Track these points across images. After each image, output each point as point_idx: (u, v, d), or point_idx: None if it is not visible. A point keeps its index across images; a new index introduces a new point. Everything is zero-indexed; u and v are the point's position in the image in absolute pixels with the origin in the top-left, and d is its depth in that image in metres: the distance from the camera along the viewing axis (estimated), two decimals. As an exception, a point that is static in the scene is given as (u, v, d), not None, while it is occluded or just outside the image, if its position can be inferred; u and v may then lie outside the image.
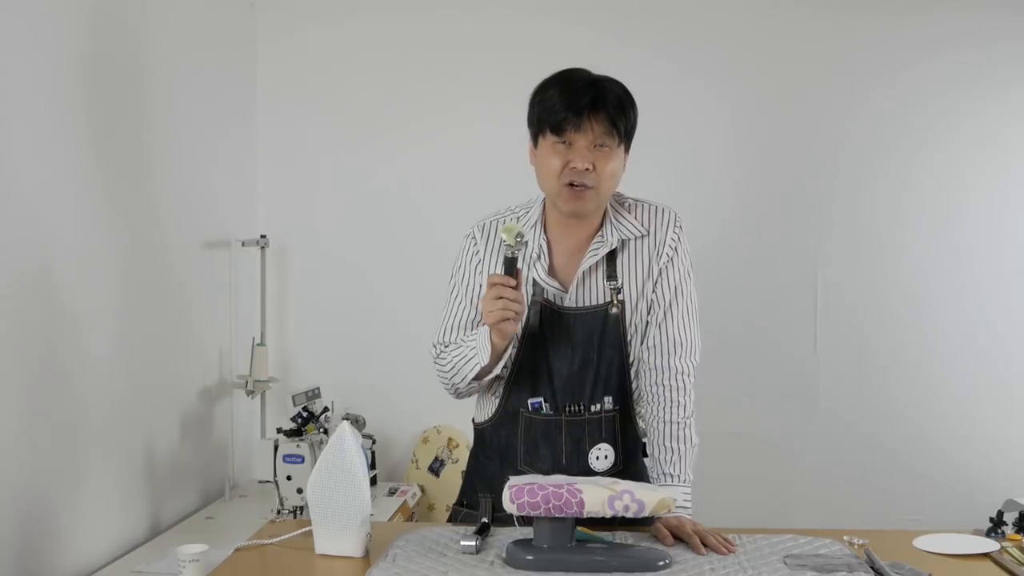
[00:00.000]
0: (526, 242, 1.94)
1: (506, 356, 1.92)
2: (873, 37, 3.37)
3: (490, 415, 2.03)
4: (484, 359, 1.89)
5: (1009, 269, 3.36)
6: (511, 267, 1.84)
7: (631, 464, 2.01)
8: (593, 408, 1.96)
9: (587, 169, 1.85)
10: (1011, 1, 3.33)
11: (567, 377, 1.95)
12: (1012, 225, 3.36)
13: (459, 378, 1.97)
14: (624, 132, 1.89)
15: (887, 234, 3.40)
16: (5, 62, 2.10)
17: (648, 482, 2.00)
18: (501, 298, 1.81)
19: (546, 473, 1.91)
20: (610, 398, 1.97)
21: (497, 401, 2.01)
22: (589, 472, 1.94)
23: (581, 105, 1.85)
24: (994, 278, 3.36)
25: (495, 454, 2.03)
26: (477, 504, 2.01)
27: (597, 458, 1.95)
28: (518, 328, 1.87)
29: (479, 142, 3.41)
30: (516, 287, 1.83)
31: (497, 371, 1.94)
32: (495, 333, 1.86)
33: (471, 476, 2.10)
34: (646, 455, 2.05)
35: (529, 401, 1.97)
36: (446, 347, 2.01)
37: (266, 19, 3.51)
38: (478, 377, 1.95)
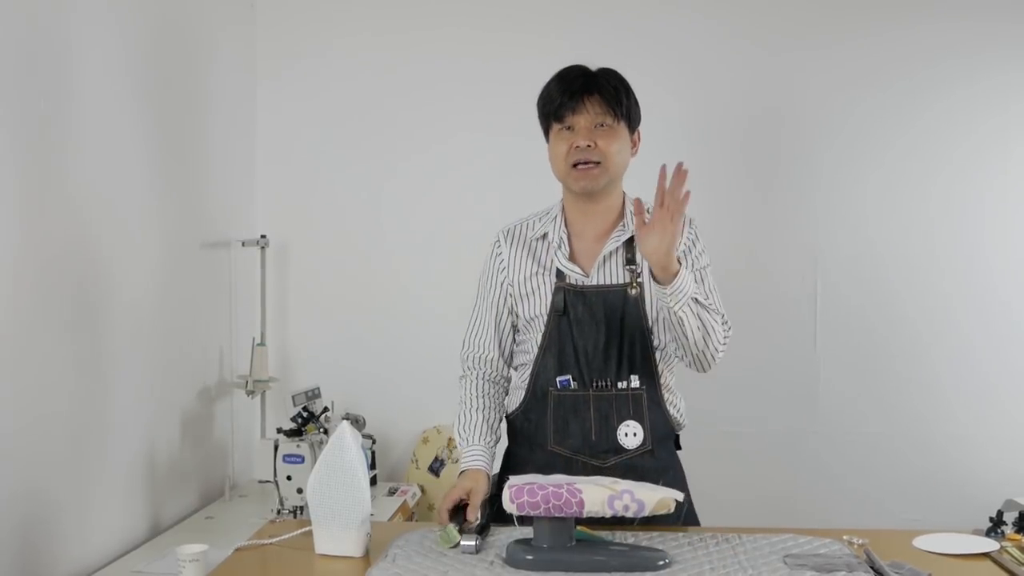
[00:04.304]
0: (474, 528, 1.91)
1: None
2: (877, 34, 3.36)
3: (519, 403, 2.09)
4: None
5: (1009, 269, 3.35)
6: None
7: (662, 449, 2.03)
8: (620, 385, 2.00)
9: (589, 146, 1.97)
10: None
11: (592, 353, 2.00)
12: (1012, 225, 3.35)
13: None
14: (624, 111, 1.98)
15: (887, 234, 3.39)
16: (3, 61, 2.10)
17: (682, 474, 2.06)
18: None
19: (577, 450, 1.98)
20: (636, 377, 2.01)
21: (526, 385, 2.07)
22: (619, 449, 1.98)
23: (576, 89, 1.98)
24: (994, 278, 3.35)
25: (525, 440, 2.08)
26: None
27: (626, 435, 1.99)
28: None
29: (479, 142, 3.41)
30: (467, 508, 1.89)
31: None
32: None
33: (504, 469, 2.13)
34: (679, 447, 2.10)
35: (557, 379, 2.02)
36: (464, 374, 2.12)
37: (266, 19, 3.51)
38: None
